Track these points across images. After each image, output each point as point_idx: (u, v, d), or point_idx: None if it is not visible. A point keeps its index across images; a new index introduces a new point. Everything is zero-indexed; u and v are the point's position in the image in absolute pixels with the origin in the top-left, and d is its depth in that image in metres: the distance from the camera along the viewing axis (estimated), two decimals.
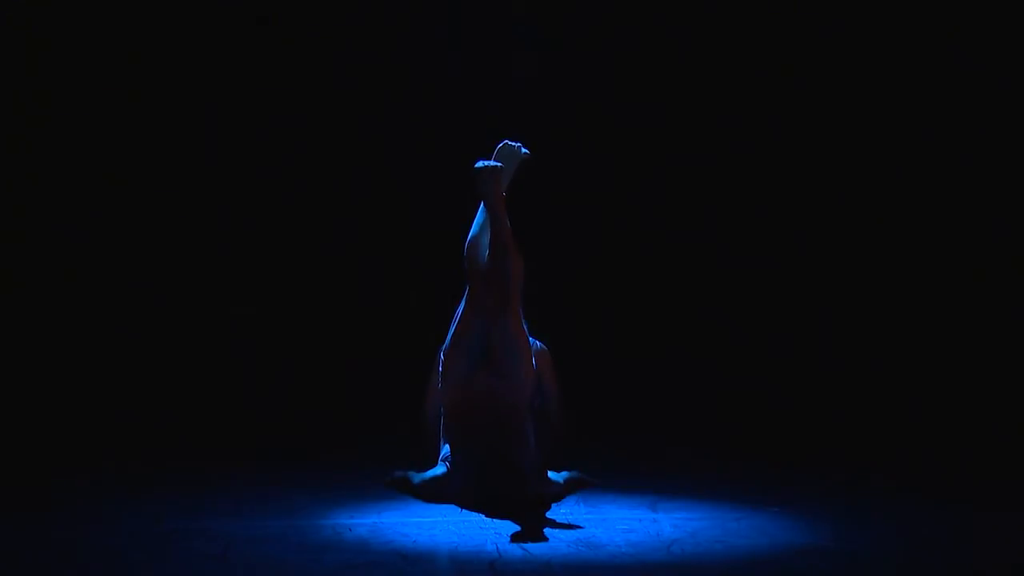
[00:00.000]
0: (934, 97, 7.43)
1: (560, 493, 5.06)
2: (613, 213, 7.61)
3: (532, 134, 5.57)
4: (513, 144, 5.34)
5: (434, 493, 5.01)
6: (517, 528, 4.56)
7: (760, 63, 7.51)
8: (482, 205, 5.21)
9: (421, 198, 7.45)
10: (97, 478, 5.47)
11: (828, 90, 7.53)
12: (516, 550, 4.25)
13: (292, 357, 7.36)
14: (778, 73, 7.51)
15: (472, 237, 5.19)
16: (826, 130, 7.54)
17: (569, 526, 4.62)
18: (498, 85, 7.51)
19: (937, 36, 7.37)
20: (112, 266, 7.31)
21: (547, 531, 4.52)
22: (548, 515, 4.80)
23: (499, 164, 5.18)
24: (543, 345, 5.28)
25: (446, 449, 5.10)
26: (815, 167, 7.54)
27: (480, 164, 5.14)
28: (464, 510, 4.86)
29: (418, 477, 5.07)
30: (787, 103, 7.52)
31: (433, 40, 7.49)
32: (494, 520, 4.69)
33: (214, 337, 7.35)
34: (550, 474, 5.08)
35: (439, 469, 5.07)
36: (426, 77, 7.52)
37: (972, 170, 7.41)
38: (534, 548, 4.27)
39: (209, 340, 7.34)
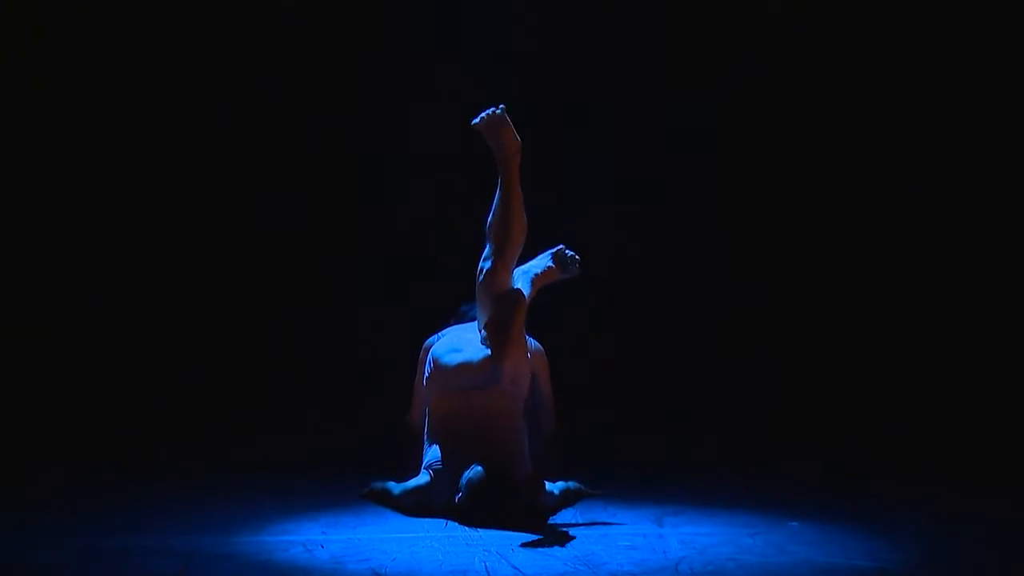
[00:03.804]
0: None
1: (556, 505, 4.90)
2: (610, 211, 7.50)
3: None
4: (569, 253, 5.19)
5: (416, 505, 4.87)
6: (508, 544, 4.43)
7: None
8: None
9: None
10: (51, 492, 5.41)
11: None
12: (507, 569, 4.11)
13: (266, 365, 7.26)
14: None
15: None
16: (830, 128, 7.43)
17: (566, 541, 4.51)
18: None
19: None
20: (72, 277, 7.16)
21: (541, 548, 4.41)
22: (543, 530, 4.68)
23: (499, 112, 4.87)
24: (539, 344, 5.19)
25: (430, 455, 4.94)
26: (816, 168, 7.44)
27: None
28: (450, 524, 4.75)
29: (398, 487, 4.92)
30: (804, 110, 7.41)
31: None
32: (482, 535, 4.57)
33: (182, 345, 7.24)
34: (546, 484, 4.90)
35: (422, 478, 4.93)
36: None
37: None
38: (527, 567, 4.13)
39: (177, 348, 7.23)
